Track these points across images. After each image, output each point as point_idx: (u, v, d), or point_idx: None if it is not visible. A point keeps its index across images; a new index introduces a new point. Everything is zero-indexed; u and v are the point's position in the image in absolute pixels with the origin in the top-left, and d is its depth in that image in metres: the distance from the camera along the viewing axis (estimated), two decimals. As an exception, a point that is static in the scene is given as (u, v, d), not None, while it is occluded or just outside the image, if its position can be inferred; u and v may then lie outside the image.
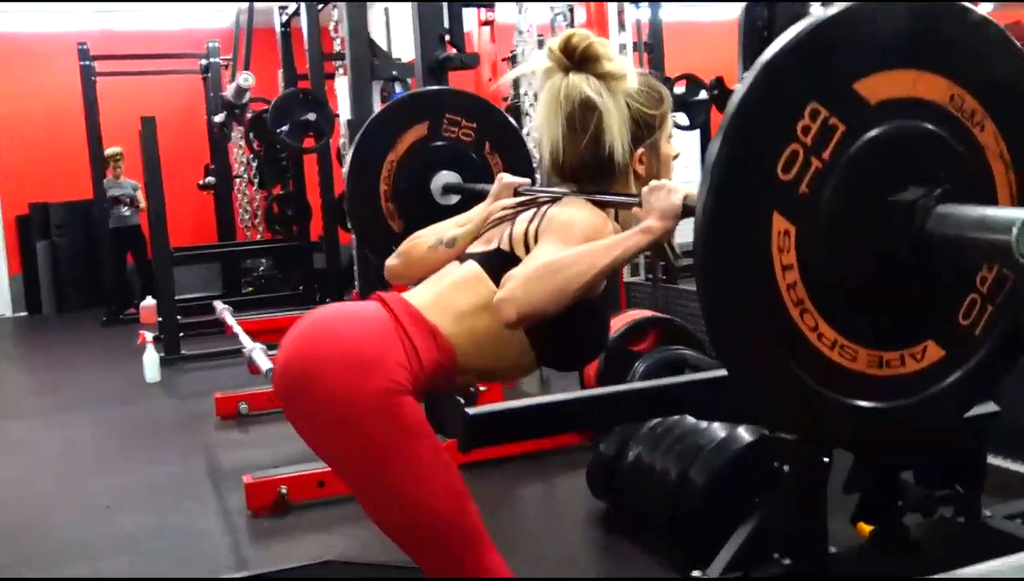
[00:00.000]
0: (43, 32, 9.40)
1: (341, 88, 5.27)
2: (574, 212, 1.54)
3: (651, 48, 6.74)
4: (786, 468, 2.50)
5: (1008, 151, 1.21)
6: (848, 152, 1.13)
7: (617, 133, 1.57)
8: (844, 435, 1.26)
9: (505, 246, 1.58)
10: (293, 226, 7.71)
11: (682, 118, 6.33)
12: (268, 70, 7.67)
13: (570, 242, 1.45)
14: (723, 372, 2.71)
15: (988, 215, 1.04)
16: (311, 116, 5.85)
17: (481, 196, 1.93)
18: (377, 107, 4.70)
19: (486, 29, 5.47)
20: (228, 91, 3.34)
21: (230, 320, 4.27)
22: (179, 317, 6.29)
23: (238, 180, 9.11)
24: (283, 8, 6.88)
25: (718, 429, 2.66)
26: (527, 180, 1.89)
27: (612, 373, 3.40)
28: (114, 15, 9.38)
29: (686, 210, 1.38)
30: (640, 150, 1.63)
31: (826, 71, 1.11)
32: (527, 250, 1.52)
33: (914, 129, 1.16)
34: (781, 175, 1.11)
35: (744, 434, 2.59)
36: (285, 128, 5.92)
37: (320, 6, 6.16)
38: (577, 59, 1.57)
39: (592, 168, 1.62)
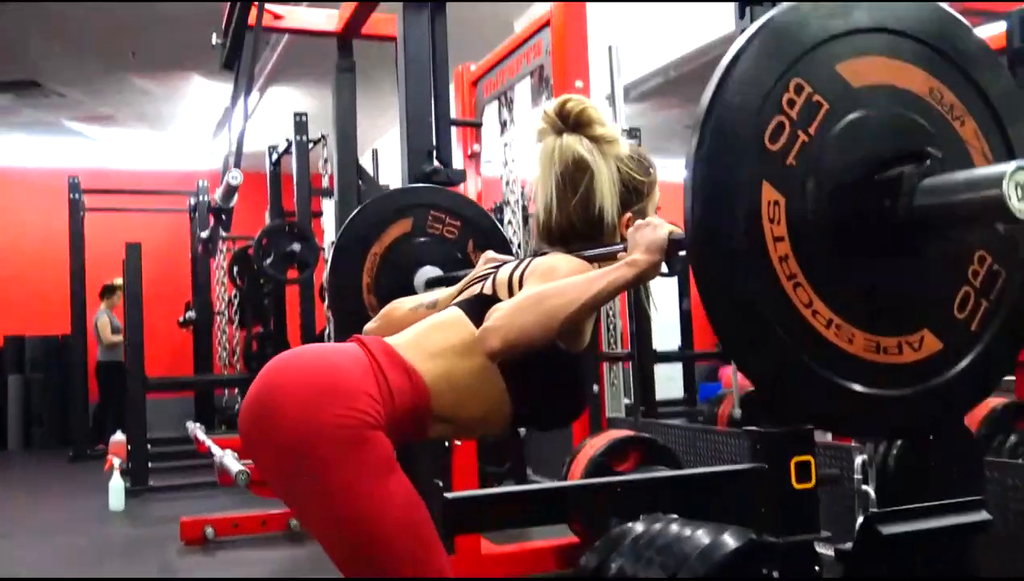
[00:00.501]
0: (32, 167, 9.58)
1: (328, 218, 5.36)
2: (559, 258, 1.54)
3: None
4: (775, 575, 2.42)
5: (990, 150, 1.25)
6: (833, 129, 1.16)
7: (607, 194, 1.59)
8: (836, 417, 1.25)
9: (488, 291, 1.56)
10: (271, 365, 7.62)
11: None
12: (256, 212, 7.81)
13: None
14: (705, 470, 2.64)
15: (976, 174, 1.07)
16: (296, 247, 5.90)
17: None
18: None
19: (472, 170, 5.64)
20: (216, 194, 3.39)
21: (201, 436, 4.19)
22: (149, 446, 6.14)
23: (219, 317, 9.09)
24: (273, 148, 7.07)
25: (702, 536, 2.56)
26: (511, 258, 1.90)
27: (593, 490, 3.32)
28: (107, 154, 9.61)
29: (672, 246, 1.37)
30: (628, 215, 1.64)
31: (811, 49, 1.15)
32: (511, 294, 1.51)
33: (897, 114, 1.19)
34: (769, 145, 1.13)
35: (730, 540, 2.49)
36: (269, 259, 5.98)
37: (311, 145, 6.34)
38: (571, 122, 1.61)
39: (581, 230, 1.63)
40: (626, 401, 6.31)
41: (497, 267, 1.66)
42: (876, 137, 1.18)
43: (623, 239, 1.62)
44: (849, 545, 2.52)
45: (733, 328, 1.17)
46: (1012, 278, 1.26)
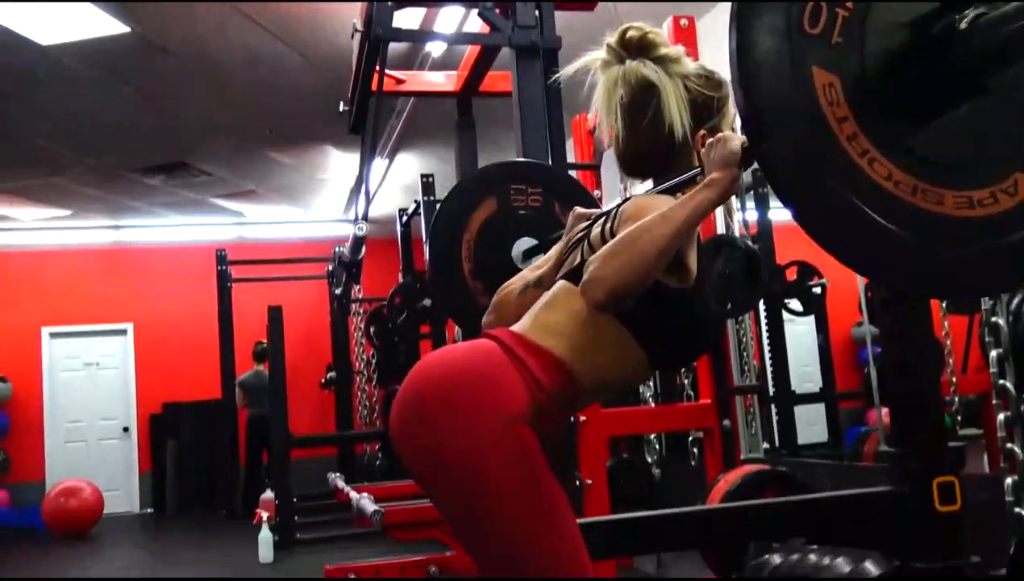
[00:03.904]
0: (182, 243, 10.21)
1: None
2: (643, 199, 1.54)
3: (759, 241, 6.84)
4: (922, 604, 2.31)
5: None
6: None
7: (676, 110, 1.58)
8: (945, 283, 1.25)
9: (588, 256, 1.55)
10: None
11: (795, 304, 6.32)
12: (390, 276, 8.12)
13: None
14: (842, 493, 2.56)
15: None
16: (427, 303, 6.10)
17: None
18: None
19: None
20: (345, 249, 3.54)
21: (341, 484, 4.33)
22: (295, 501, 6.38)
23: (358, 377, 9.39)
24: (403, 211, 7.34)
25: (842, 564, 2.48)
26: (597, 209, 1.87)
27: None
28: (250, 228, 10.16)
29: (747, 155, 1.34)
30: (702, 132, 1.62)
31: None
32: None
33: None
34: (809, 30, 1.14)
35: (871, 567, 2.41)
36: (402, 317, 6.22)
37: (438, 204, 6.54)
38: (633, 49, 1.62)
39: (655, 153, 1.64)
40: (765, 446, 6.15)
41: (590, 225, 1.67)
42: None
43: (700, 159, 1.58)
44: (1003, 572, 2.39)
45: (820, 223, 1.17)
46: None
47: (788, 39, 1.15)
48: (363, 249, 3.49)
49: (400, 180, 8.51)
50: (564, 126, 3.59)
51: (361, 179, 3.48)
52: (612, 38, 1.64)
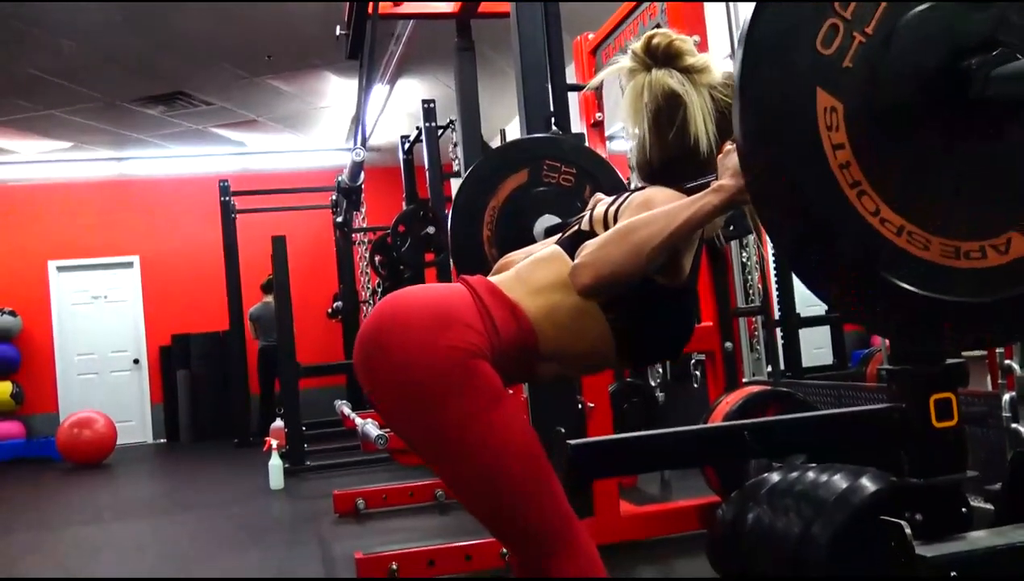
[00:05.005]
0: (184, 175, 10.16)
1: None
2: (654, 190, 1.52)
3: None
4: (919, 518, 2.33)
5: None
6: (896, 25, 1.10)
7: (701, 123, 1.55)
8: (916, 329, 1.19)
9: (585, 227, 1.56)
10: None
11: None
12: (394, 205, 8.07)
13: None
14: (839, 411, 2.56)
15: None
16: (430, 230, 6.07)
17: None
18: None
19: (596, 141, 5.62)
20: (344, 174, 3.49)
21: (347, 411, 4.38)
22: (304, 429, 6.46)
23: (364, 306, 9.42)
24: (405, 138, 7.27)
25: (840, 481, 2.49)
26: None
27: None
28: (253, 158, 10.10)
29: None
30: (727, 143, 1.58)
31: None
32: (606, 229, 1.50)
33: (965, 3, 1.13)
34: (821, 50, 1.09)
35: (868, 484, 2.42)
36: (406, 245, 6.19)
37: (440, 131, 6.48)
38: (660, 57, 1.58)
39: (679, 163, 1.60)
40: (769, 369, 6.17)
41: (599, 203, 1.65)
42: (942, 26, 1.12)
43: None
44: (999, 486, 2.41)
45: (797, 246, 1.13)
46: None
47: (797, 55, 1.10)
48: (362, 175, 3.46)
49: (403, 107, 8.41)
50: (565, 47, 3.53)
51: (360, 104, 3.44)
52: (638, 45, 1.60)
